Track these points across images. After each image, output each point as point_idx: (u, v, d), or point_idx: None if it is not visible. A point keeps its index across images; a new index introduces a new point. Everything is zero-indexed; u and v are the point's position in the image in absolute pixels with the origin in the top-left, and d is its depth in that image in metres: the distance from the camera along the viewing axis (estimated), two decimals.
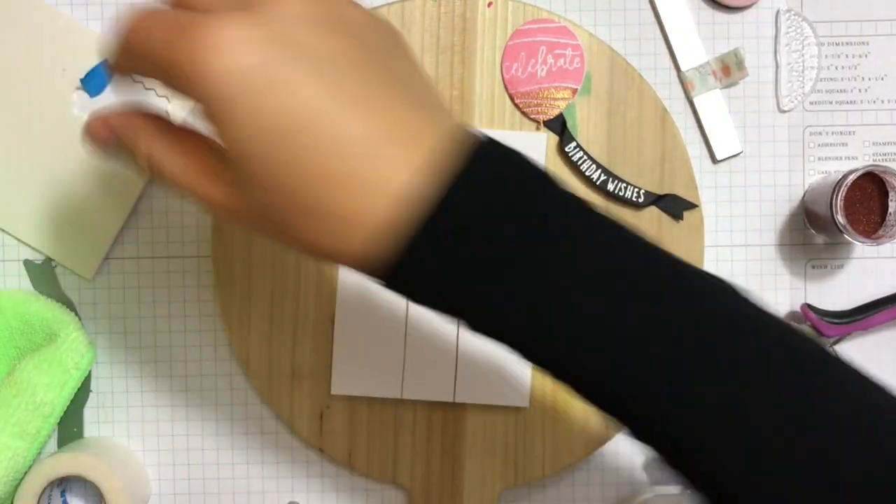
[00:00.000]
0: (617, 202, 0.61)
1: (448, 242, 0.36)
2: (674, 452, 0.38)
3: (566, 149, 0.61)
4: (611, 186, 0.61)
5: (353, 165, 0.36)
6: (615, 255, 0.37)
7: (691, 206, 0.61)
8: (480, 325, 0.38)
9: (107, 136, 0.41)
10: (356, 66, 0.37)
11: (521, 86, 0.61)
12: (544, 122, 0.61)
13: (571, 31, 0.61)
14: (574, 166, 0.61)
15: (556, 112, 0.61)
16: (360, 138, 0.36)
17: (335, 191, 0.36)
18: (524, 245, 0.36)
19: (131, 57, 0.38)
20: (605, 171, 0.61)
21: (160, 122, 0.40)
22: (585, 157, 0.61)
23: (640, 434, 0.39)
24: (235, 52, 0.35)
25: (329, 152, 0.36)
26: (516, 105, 0.61)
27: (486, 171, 0.37)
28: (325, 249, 0.37)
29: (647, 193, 0.61)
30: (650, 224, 0.61)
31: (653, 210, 0.61)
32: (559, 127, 0.61)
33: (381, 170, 0.36)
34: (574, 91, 0.61)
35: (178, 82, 0.36)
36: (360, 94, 0.36)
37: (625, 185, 0.61)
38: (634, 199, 0.61)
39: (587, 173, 0.61)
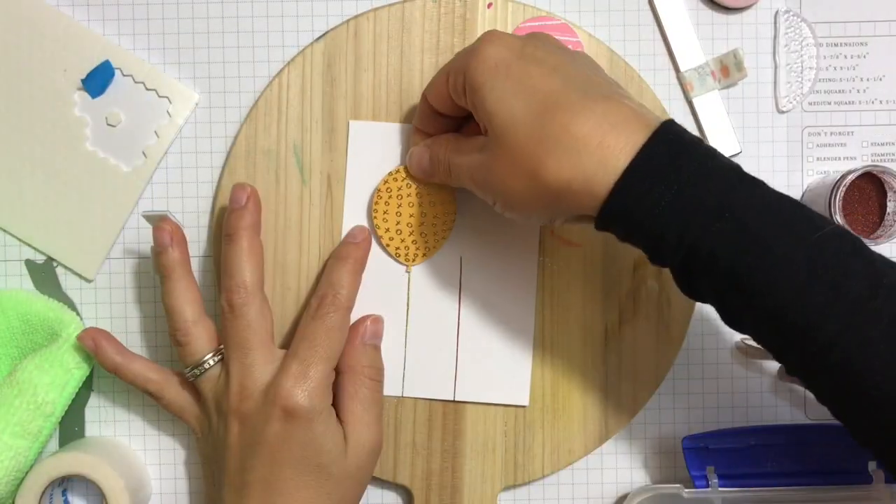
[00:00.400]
0: None
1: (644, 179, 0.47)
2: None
3: None
4: None
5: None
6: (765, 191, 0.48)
7: None
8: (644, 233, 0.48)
9: (423, 154, 0.59)
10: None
11: None
12: None
13: (572, 29, 0.61)
14: None
15: None
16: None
17: (583, 123, 0.48)
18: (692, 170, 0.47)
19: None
20: None
21: (456, 136, 0.57)
22: None
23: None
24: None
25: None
26: None
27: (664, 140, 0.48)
28: (564, 178, 0.48)
29: None
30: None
31: None
32: None
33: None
34: None
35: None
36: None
37: None
38: None
39: None
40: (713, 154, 0.48)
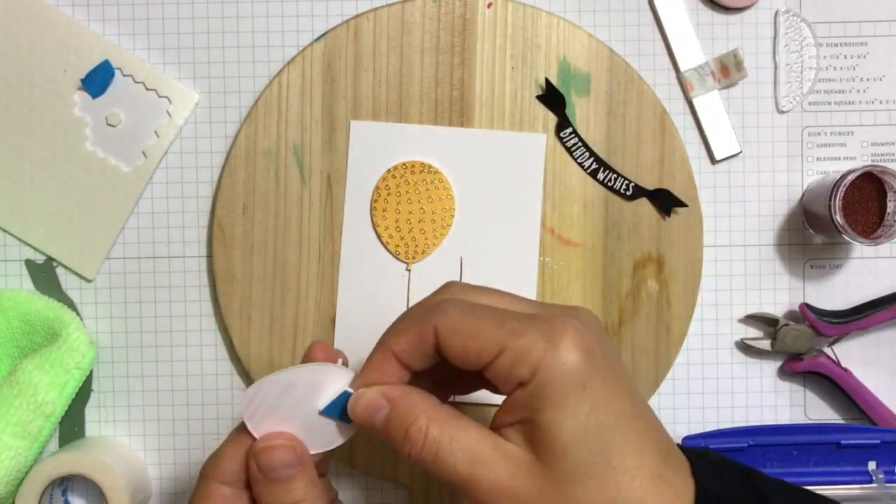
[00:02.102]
0: (607, 192, 0.61)
1: None
2: None
3: (561, 134, 0.61)
4: (601, 176, 0.61)
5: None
6: None
7: (681, 203, 0.61)
8: None
9: (379, 407, 0.43)
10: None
11: None
12: (539, 97, 0.61)
13: None
14: (568, 152, 0.61)
15: None
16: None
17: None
18: None
19: None
20: (598, 159, 0.61)
21: (436, 402, 0.43)
22: (580, 143, 0.61)
23: None
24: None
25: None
26: None
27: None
28: None
29: (636, 187, 0.61)
30: (650, 221, 0.62)
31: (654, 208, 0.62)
32: (558, 108, 0.61)
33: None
34: None
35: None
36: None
37: (615, 176, 0.61)
38: (623, 191, 0.61)
39: (579, 160, 0.61)
40: None
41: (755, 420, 0.64)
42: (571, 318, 0.42)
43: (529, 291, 0.61)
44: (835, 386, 0.63)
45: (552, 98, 0.61)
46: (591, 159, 0.61)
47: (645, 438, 0.41)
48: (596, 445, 0.40)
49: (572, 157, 0.61)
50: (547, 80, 0.61)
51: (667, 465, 0.42)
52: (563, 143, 0.61)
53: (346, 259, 0.62)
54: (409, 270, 0.61)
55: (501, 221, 0.61)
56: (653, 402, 0.63)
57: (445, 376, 0.46)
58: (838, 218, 0.58)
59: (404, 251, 0.61)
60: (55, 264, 0.63)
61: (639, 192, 0.61)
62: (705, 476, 0.42)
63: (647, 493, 0.40)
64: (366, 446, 0.62)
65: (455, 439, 0.41)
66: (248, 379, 0.63)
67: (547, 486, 0.40)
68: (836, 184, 0.58)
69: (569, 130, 0.61)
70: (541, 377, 0.40)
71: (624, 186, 0.61)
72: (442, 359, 0.43)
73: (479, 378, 0.43)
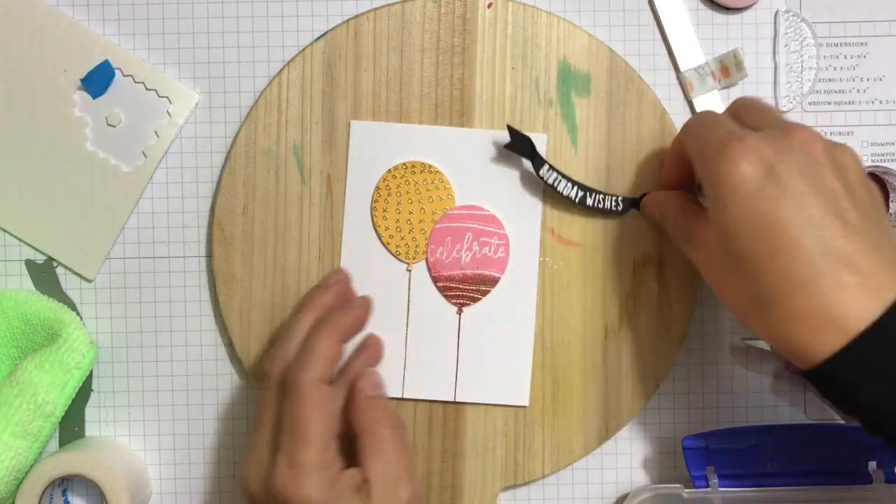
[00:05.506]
0: (599, 214, 0.61)
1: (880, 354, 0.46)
2: None
3: (540, 173, 0.60)
4: (589, 201, 0.60)
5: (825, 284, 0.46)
6: None
7: None
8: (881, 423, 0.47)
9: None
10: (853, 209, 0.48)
11: (444, 269, 0.61)
12: (506, 146, 0.59)
13: (499, 221, 0.61)
14: (552, 189, 0.60)
15: (477, 298, 0.61)
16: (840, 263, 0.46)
17: (801, 297, 0.46)
18: None
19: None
20: (582, 186, 0.60)
21: (684, 204, 0.56)
22: (560, 177, 0.60)
23: None
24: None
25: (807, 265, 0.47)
26: (438, 288, 0.61)
27: None
28: (777, 336, 0.49)
29: (624, 199, 0.61)
30: (650, 223, 0.62)
31: None
32: (528, 151, 0.59)
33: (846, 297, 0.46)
34: (496, 280, 0.61)
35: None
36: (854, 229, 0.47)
37: (602, 196, 0.60)
38: (613, 208, 0.61)
39: (564, 193, 0.60)
40: None
41: (755, 420, 0.64)
42: (758, 140, 0.49)
43: (529, 291, 0.61)
44: None
45: (518, 142, 0.59)
46: (576, 188, 0.60)
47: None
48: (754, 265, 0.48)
49: (557, 191, 0.60)
50: (509, 127, 0.59)
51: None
52: (545, 182, 0.60)
53: (346, 259, 0.62)
54: (410, 270, 0.61)
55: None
56: (653, 402, 0.63)
57: None
58: None
59: (405, 251, 0.61)
60: (55, 264, 0.63)
61: (628, 203, 0.61)
62: None
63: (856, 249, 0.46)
64: None
65: (688, 232, 0.55)
66: (249, 379, 0.63)
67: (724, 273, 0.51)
68: None
69: (545, 168, 0.60)
70: (711, 183, 0.50)
71: (613, 204, 0.60)
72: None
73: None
